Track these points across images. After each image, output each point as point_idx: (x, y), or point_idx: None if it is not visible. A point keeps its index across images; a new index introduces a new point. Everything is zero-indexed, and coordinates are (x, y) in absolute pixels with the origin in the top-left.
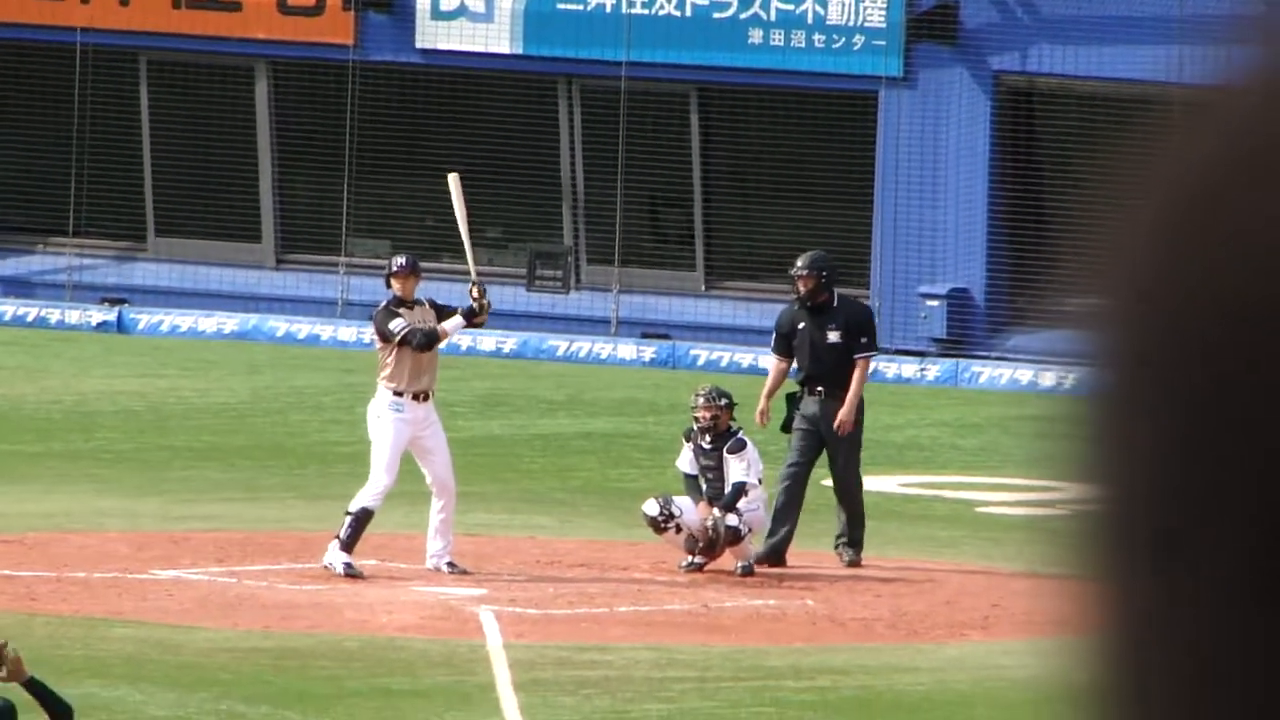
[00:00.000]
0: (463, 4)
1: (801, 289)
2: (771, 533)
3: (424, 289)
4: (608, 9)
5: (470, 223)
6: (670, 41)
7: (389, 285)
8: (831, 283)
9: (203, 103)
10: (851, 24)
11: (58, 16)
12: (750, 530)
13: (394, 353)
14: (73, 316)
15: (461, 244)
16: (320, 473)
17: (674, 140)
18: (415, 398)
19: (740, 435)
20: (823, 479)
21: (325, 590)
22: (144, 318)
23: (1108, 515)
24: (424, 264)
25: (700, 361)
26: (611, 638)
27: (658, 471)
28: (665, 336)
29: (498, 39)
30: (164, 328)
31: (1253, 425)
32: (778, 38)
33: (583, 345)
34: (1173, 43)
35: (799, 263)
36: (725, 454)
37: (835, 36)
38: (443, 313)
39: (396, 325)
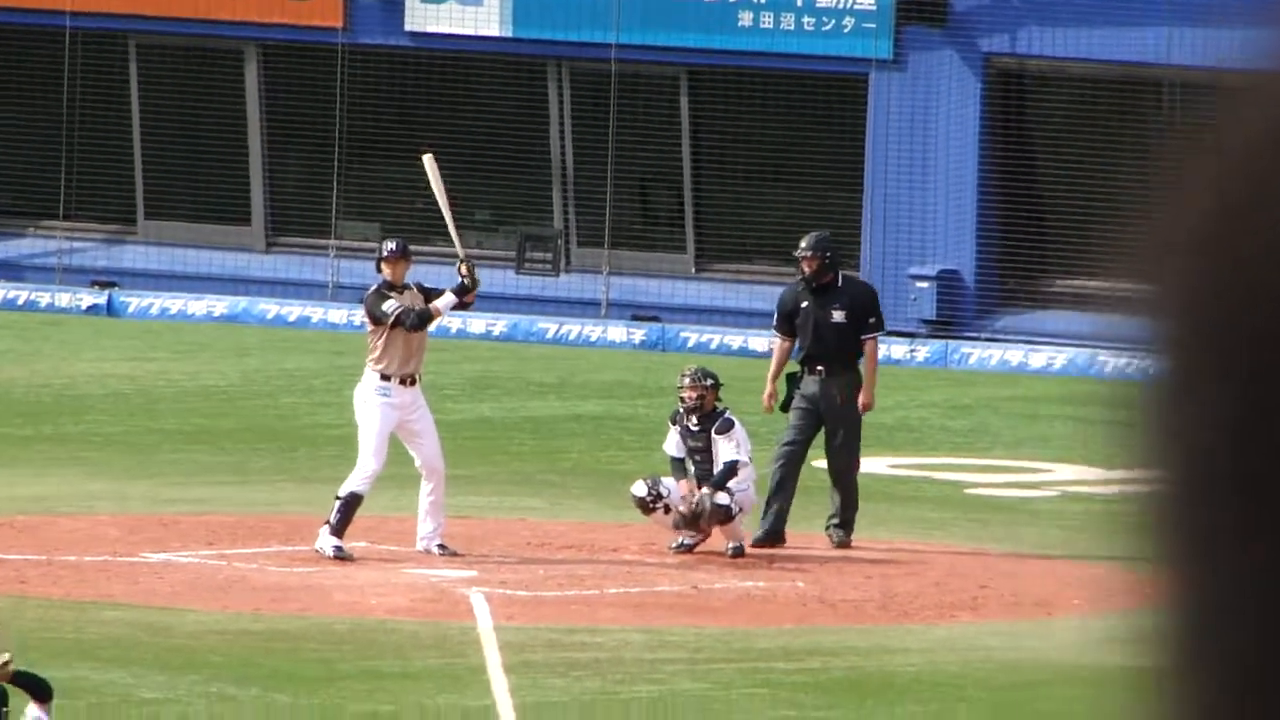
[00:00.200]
0: None
1: (806, 270)
2: (765, 514)
3: (415, 272)
4: None
5: (451, 202)
6: (660, 24)
7: (379, 270)
8: (835, 263)
9: (192, 86)
10: (841, 6)
11: (47, 0)
12: (741, 510)
13: (384, 336)
14: (62, 300)
15: (445, 225)
16: (310, 455)
17: (664, 123)
18: (403, 381)
19: (728, 415)
20: (815, 460)
21: (315, 573)
22: (134, 301)
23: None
24: (415, 247)
25: (690, 344)
26: (602, 619)
27: (647, 454)
28: (655, 319)
29: (487, 21)
30: (154, 311)
31: None
32: (768, 20)
33: (572, 328)
34: (1163, 24)
35: (803, 244)
36: (713, 434)
37: (825, 19)
38: (430, 296)
39: (389, 306)
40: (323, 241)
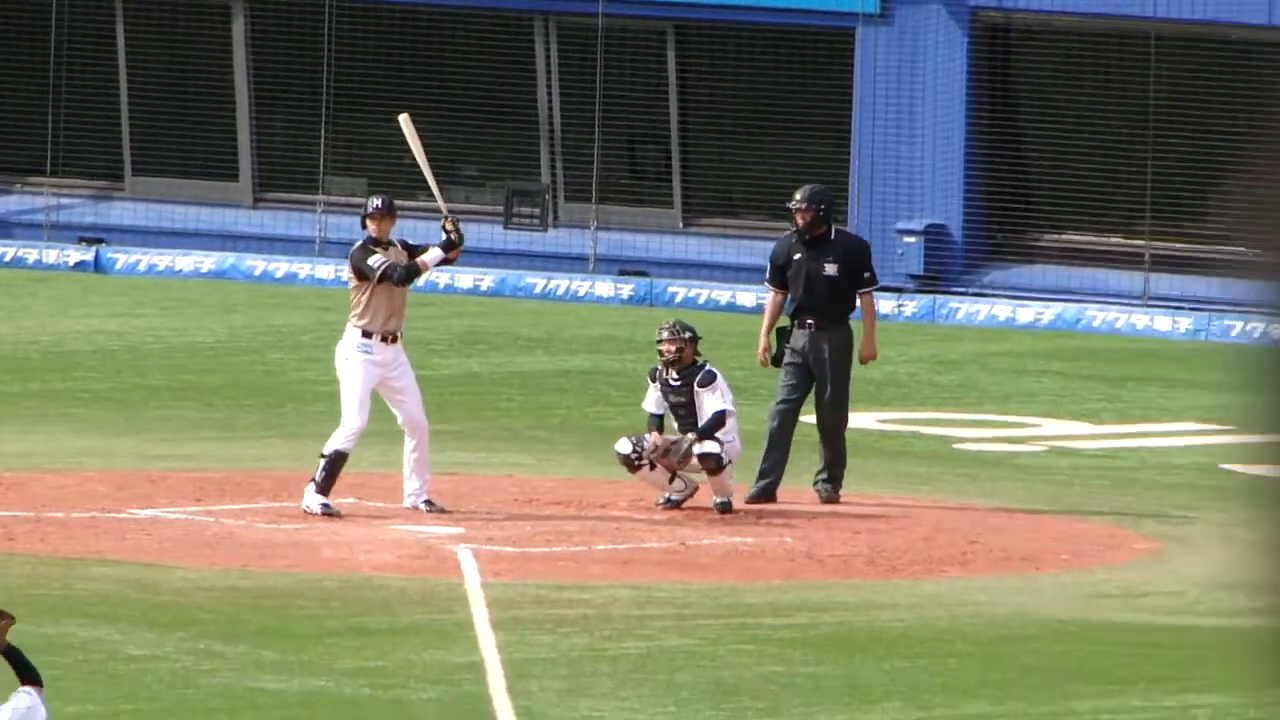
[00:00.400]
0: None
1: (800, 222)
2: (762, 474)
3: (402, 228)
4: None
5: (431, 160)
6: None
7: (364, 226)
8: (829, 216)
9: (180, 41)
10: None
11: None
12: (729, 461)
13: (369, 291)
14: (50, 256)
15: (426, 183)
16: (297, 411)
17: (651, 77)
18: (384, 339)
19: (709, 368)
20: (804, 415)
21: (303, 529)
22: (121, 257)
23: None
24: (403, 202)
25: (678, 299)
26: (590, 576)
27: (635, 409)
28: (643, 274)
29: None
30: (141, 267)
31: None
32: None
33: (560, 283)
34: None
35: (797, 195)
36: (696, 387)
37: None
38: (415, 252)
39: (375, 261)
40: (310, 197)
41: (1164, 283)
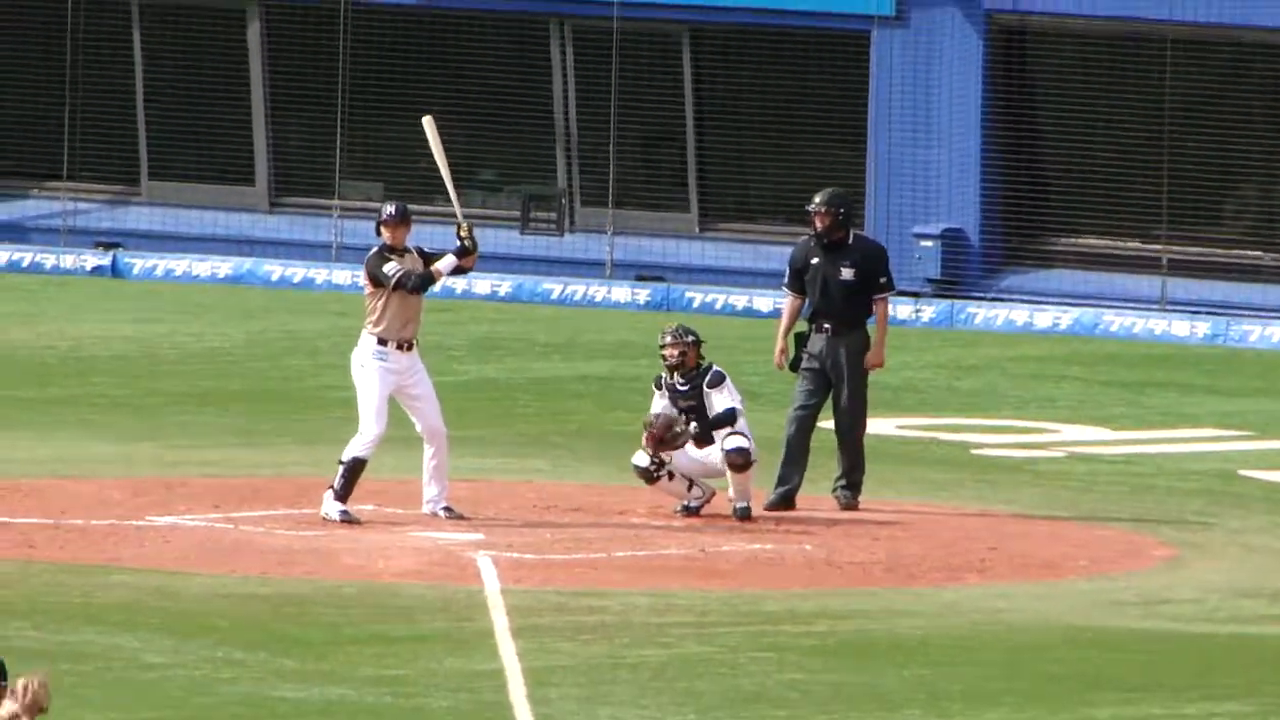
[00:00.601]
0: None
1: (818, 225)
2: (781, 480)
3: (417, 234)
4: None
5: (450, 164)
6: None
7: (379, 234)
8: (849, 220)
9: (195, 46)
10: None
11: None
12: (756, 460)
13: (384, 299)
14: (67, 261)
15: (445, 188)
16: (316, 417)
17: (667, 81)
18: (400, 346)
19: (716, 369)
20: (822, 420)
21: (323, 536)
22: (138, 262)
23: None
24: (418, 207)
25: (695, 304)
26: (609, 583)
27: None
28: (660, 279)
29: None
30: (158, 272)
31: None
32: None
33: (577, 288)
34: None
35: (816, 199)
36: (705, 388)
37: None
38: (431, 260)
39: (390, 269)
40: (326, 202)
41: (1181, 287)
